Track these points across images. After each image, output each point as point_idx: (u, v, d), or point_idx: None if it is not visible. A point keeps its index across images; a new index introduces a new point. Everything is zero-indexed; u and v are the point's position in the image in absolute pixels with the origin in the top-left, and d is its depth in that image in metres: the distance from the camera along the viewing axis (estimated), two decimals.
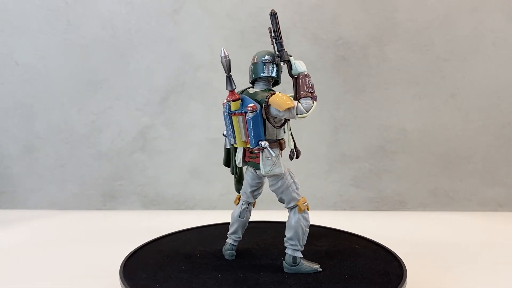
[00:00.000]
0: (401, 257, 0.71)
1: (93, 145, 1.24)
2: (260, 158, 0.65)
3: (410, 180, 1.22)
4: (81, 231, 1.06)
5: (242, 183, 0.74)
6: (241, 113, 0.62)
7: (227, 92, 0.63)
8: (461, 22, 1.17)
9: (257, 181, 0.71)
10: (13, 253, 0.91)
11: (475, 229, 1.07)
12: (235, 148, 0.70)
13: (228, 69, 0.62)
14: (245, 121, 0.62)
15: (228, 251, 0.73)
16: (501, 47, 1.17)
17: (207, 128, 1.23)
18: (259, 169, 0.66)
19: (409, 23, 1.17)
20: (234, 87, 0.63)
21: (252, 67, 0.66)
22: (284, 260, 0.68)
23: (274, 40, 0.65)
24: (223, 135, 0.68)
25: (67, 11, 1.19)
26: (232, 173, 0.75)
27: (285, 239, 0.68)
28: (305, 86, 0.63)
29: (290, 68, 0.65)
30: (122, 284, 0.63)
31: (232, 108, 0.62)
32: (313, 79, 0.64)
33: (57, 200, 1.26)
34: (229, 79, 0.62)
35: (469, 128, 1.20)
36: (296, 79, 0.64)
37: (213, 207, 1.25)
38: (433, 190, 1.23)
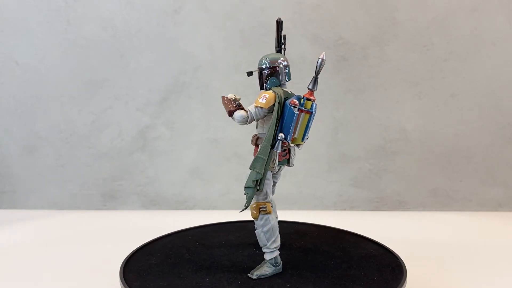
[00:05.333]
0: (401, 257, 0.71)
1: (93, 145, 1.24)
2: (292, 152, 0.68)
3: (410, 180, 1.22)
4: (81, 231, 1.06)
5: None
6: (308, 112, 0.65)
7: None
8: (461, 22, 1.17)
9: None
10: (13, 253, 0.91)
11: (475, 229, 1.07)
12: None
13: (319, 71, 0.63)
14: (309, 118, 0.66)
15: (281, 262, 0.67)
16: (501, 47, 1.17)
17: (207, 128, 1.23)
18: (287, 163, 0.68)
19: (409, 23, 1.17)
20: (316, 89, 0.64)
21: (288, 69, 0.67)
22: None
23: (283, 46, 0.69)
24: (284, 139, 0.62)
25: (67, 11, 1.19)
26: (258, 184, 0.65)
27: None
28: None
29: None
30: (122, 284, 0.63)
31: (308, 107, 0.64)
32: None
33: (57, 200, 1.26)
34: (317, 80, 0.64)
35: (469, 128, 1.20)
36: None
37: (213, 207, 1.25)
38: (433, 190, 1.23)
